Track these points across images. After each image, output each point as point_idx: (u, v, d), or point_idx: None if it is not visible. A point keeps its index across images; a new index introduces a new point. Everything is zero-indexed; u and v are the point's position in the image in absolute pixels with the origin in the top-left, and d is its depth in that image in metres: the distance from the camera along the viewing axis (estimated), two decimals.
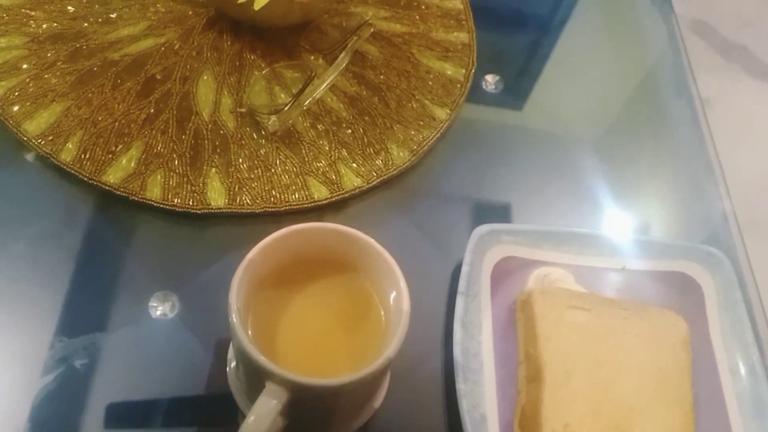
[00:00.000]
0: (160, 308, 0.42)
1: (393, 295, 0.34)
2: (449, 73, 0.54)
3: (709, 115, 0.58)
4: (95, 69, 0.50)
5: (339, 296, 0.36)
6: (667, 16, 0.65)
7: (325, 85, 0.50)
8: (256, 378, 0.32)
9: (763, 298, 0.49)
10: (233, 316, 0.32)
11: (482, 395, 0.40)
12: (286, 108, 0.47)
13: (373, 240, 0.35)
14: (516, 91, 0.57)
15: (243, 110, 0.49)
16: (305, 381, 0.30)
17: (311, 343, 0.35)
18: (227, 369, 0.39)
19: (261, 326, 0.34)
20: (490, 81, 0.56)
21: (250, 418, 0.30)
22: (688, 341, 0.42)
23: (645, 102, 0.59)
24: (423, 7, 0.57)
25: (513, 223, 0.49)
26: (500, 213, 0.50)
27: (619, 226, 0.51)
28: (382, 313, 0.35)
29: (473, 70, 0.54)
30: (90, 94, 0.48)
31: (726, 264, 0.46)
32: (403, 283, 0.33)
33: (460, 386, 0.39)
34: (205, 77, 0.50)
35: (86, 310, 0.41)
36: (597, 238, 0.47)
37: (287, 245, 0.35)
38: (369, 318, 0.36)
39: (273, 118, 0.48)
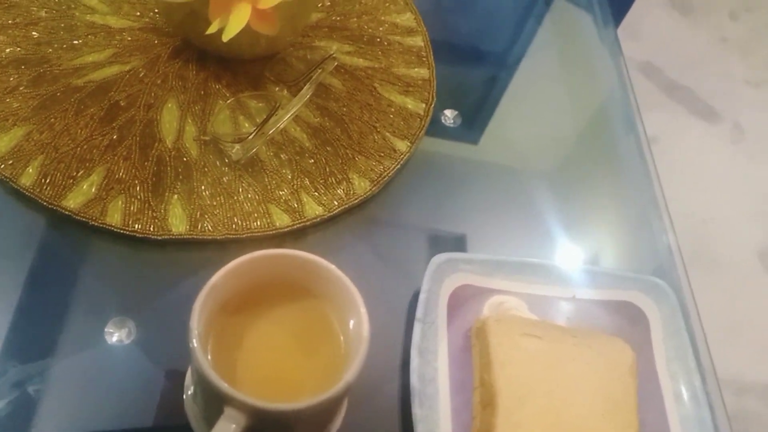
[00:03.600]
0: (117, 334, 0.42)
1: (353, 321, 0.35)
2: (410, 107, 0.56)
3: (655, 151, 0.61)
4: (58, 94, 0.50)
5: (299, 322, 0.37)
6: (616, 56, 0.68)
7: (289, 115, 0.51)
8: (215, 403, 0.32)
9: (705, 327, 0.51)
10: (194, 341, 0.32)
11: (437, 421, 0.41)
12: (249, 137, 0.48)
13: (333, 266, 0.36)
14: (473, 126, 0.59)
15: (207, 138, 0.50)
16: (264, 406, 0.31)
17: (271, 368, 0.35)
18: (184, 396, 0.39)
19: (221, 351, 0.35)
20: (449, 115, 0.58)
21: None
22: (635, 368, 0.44)
23: (595, 138, 0.62)
24: (385, 44, 0.59)
25: (469, 251, 0.51)
26: (457, 242, 0.51)
27: (570, 257, 0.53)
28: (342, 338, 0.36)
29: (433, 105, 0.56)
30: (52, 119, 0.48)
31: (670, 294, 0.48)
32: (363, 310, 0.34)
33: (416, 411, 0.40)
34: (169, 105, 0.51)
35: (41, 335, 0.41)
36: (549, 268, 0.49)
37: (249, 271, 0.36)
38: (329, 343, 0.36)
39: (237, 146, 0.48)
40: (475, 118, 0.59)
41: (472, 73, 0.63)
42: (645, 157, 0.61)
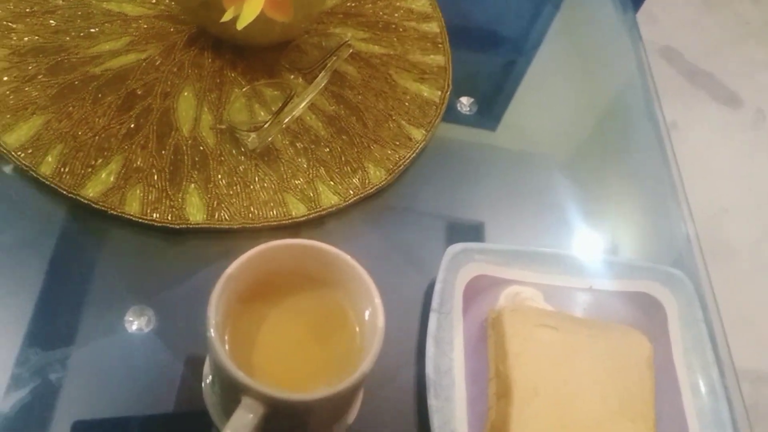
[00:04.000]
0: (136, 322, 0.42)
1: (368, 311, 0.35)
2: (425, 94, 0.55)
3: (674, 138, 0.60)
4: (76, 83, 0.50)
5: (315, 312, 0.37)
6: (636, 41, 0.67)
7: (304, 103, 0.51)
8: (233, 392, 0.32)
9: (723, 318, 0.51)
10: (211, 331, 0.32)
11: (453, 411, 0.41)
12: (265, 125, 0.48)
13: (349, 257, 0.36)
14: (489, 113, 0.58)
15: (223, 127, 0.50)
16: (281, 395, 0.31)
17: (287, 357, 0.36)
18: (203, 384, 0.39)
19: (238, 341, 0.35)
20: (465, 103, 0.58)
21: None
22: (651, 360, 0.44)
23: (614, 124, 0.61)
24: (401, 30, 0.59)
25: (485, 240, 0.51)
26: (473, 231, 0.51)
27: (587, 246, 0.52)
28: (357, 329, 0.36)
29: (449, 92, 0.56)
30: (70, 108, 0.49)
31: (688, 285, 0.48)
32: (378, 300, 0.34)
33: (432, 402, 0.40)
34: (185, 93, 0.51)
35: (62, 324, 0.41)
36: (565, 258, 0.48)
37: (265, 261, 0.36)
38: (344, 334, 0.36)
39: (252, 135, 0.48)
40: (492, 106, 0.59)
41: (489, 60, 0.63)
42: (664, 144, 0.60)
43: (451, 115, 0.56)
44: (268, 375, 0.34)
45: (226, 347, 0.34)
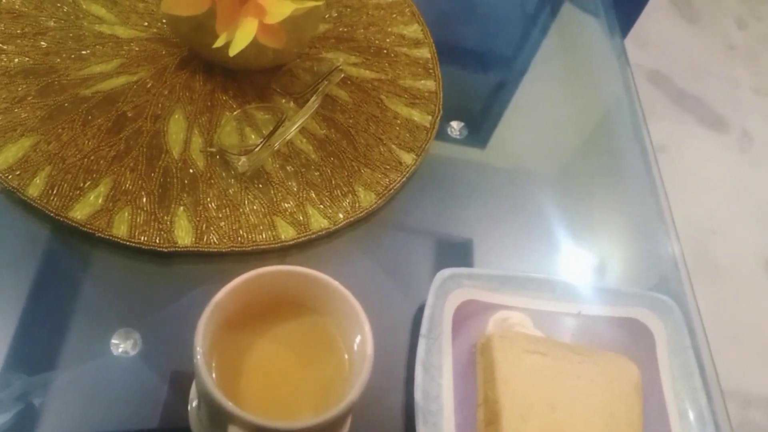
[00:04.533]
0: (122, 346, 0.42)
1: (357, 338, 0.35)
2: (416, 119, 0.56)
3: (662, 161, 0.61)
4: (66, 105, 0.50)
5: (304, 339, 0.37)
6: (623, 66, 0.68)
7: (295, 127, 0.51)
8: (219, 420, 0.32)
9: (709, 337, 0.51)
10: (198, 358, 0.32)
11: None
12: (256, 149, 0.48)
13: (338, 283, 0.36)
14: (479, 137, 0.59)
15: (213, 150, 0.50)
16: (268, 424, 0.31)
17: (275, 385, 0.35)
18: (189, 408, 0.39)
19: (225, 368, 0.35)
20: (455, 127, 0.58)
21: None
22: (640, 386, 0.44)
23: (602, 147, 0.61)
24: (392, 55, 0.59)
25: (475, 264, 0.51)
26: (463, 254, 0.51)
27: (576, 268, 0.52)
28: (346, 356, 0.36)
29: (439, 117, 0.56)
30: (60, 130, 0.48)
31: (676, 311, 0.48)
32: (367, 327, 0.34)
33: (420, 429, 0.40)
34: (176, 116, 0.51)
35: (47, 347, 0.41)
36: (554, 283, 0.48)
37: (254, 287, 0.36)
38: (333, 361, 0.36)
39: (243, 158, 0.48)
40: (482, 130, 0.59)
41: (479, 83, 0.63)
42: (651, 166, 0.60)
43: (441, 139, 0.57)
44: (255, 402, 0.34)
45: (213, 374, 0.34)
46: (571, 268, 0.52)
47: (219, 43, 0.45)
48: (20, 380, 0.39)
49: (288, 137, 0.51)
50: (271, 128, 0.49)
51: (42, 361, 0.40)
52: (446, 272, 0.46)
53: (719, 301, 0.57)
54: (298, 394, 0.35)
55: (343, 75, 0.55)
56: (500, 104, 0.62)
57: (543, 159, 0.59)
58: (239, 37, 0.44)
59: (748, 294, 0.56)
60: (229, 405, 0.31)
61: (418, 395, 0.41)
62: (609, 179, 0.59)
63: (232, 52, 0.44)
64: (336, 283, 0.36)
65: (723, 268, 0.59)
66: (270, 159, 0.50)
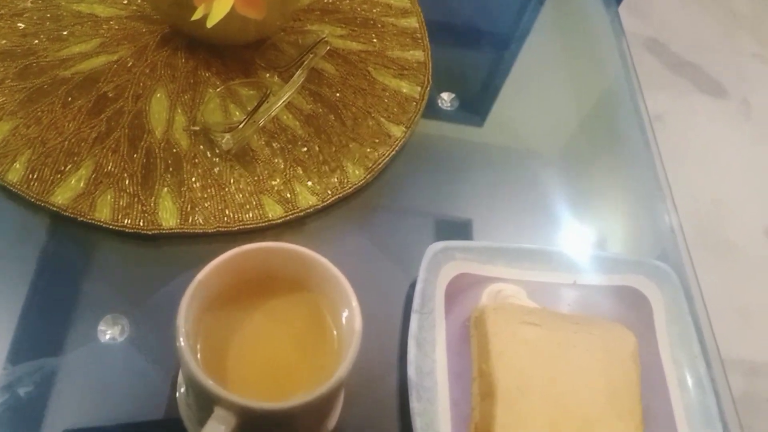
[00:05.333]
0: (110, 332, 0.41)
1: (345, 314, 0.34)
2: (405, 90, 0.54)
3: (660, 130, 0.60)
4: (45, 87, 0.49)
5: (291, 316, 0.36)
6: (618, 35, 0.66)
7: (280, 102, 0.50)
8: (205, 403, 0.31)
9: (714, 309, 0.50)
10: (181, 339, 0.31)
11: (436, 413, 0.40)
12: (240, 126, 0.47)
13: (324, 258, 0.35)
14: (471, 109, 0.57)
15: (197, 128, 0.49)
16: (254, 405, 0.30)
17: (263, 364, 0.35)
18: (177, 395, 0.38)
19: (211, 349, 0.34)
20: (446, 99, 0.57)
21: None
22: (637, 354, 0.43)
23: (598, 118, 0.60)
24: (379, 26, 0.58)
25: (470, 238, 0.50)
26: (457, 228, 0.50)
27: (571, 240, 0.52)
28: (335, 333, 0.35)
29: (428, 88, 0.55)
30: (39, 113, 0.47)
31: (673, 277, 0.47)
32: (354, 302, 0.34)
33: (414, 405, 0.39)
34: (158, 95, 0.50)
35: (32, 336, 0.40)
36: (548, 254, 0.47)
37: (237, 266, 0.35)
38: (322, 338, 0.35)
39: (227, 136, 0.47)
40: (473, 101, 0.58)
41: (470, 55, 0.62)
42: (648, 138, 0.59)
43: (431, 111, 0.55)
44: (243, 383, 0.33)
45: (198, 356, 0.33)
46: (567, 240, 0.51)
47: (196, 15, 0.43)
48: (5, 370, 0.39)
49: (273, 113, 0.50)
50: (256, 104, 0.48)
51: (27, 350, 0.39)
52: (438, 245, 0.45)
53: (724, 273, 0.56)
54: (287, 372, 0.34)
55: (329, 47, 0.54)
56: (492, 75, 0.61)
57: (537, 131, 0.57)
58: (216, 9, 0.42)
59: (752, 265, 0.55)
60: (212, 385, 0.30)
61: (411, 371, 0.40)
62: (606, 151, 0.58)
63: (210, 23, 0.42)
64: (321, 258, 0.35)
65: (727, 241, 0.58)
66: (255, 136, 0.49)
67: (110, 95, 0.49)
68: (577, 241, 0.52)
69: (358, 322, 0.33)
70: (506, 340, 0.42)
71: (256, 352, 0.35)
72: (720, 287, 0.52)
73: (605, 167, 0.57)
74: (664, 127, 0.63)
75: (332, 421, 0.39)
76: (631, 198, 0.55)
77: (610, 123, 0.60)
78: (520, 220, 0.51)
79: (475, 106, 0.58)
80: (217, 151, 0.48)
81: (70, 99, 0.48)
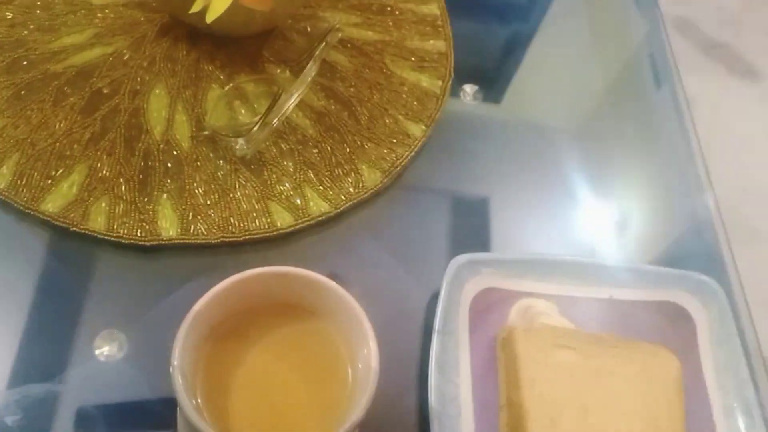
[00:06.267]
0: (107, 349, 0.38)
1: (363, 351, 0.31)
2: (425, 84, 0.50)
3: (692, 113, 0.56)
4: (35, 83, 0.45)
5: (301, 347, 0.33)
6: (651, 10, 0.62)
7: (293, 99, 0.46)
8: None
9: (756, 323, 0.46)
10: (177, 378, 0.28)
11: None
12: (254, 128, 0.43)
13: (338, 286, 0.31)
14: (496, 101, 0.53)
15: (206, 133, 0.45)
16: None
17: (269, 402, 0.31)
18: (178, 416, 0.35)
19: (212, 385, 0.31)
20: (469, 91, 0.52)
21: None
22: (681, 381, 0.40)
23: (630, 104, 0.56)
24: (397, 13, 0.53)
25: (494, 249, 0.46)
26: (482, 238, 0.46)
27: (606, 249, 0.48)
28: (349, 369, 0.32)
29: (450, 81, 0.51)
30: (29, 112, 0.44)
31: (720, 294, 0.43)
32: (372, 338, 0.30)
33: None
34: (157, 91, 0.46)
35: (23, 355, 0.37)
36: (581, 266, 0.44)
37: (240, 292, 0.31)
38: (334, 374, 0.32)
39: (240, 141, 0.43)
40: (498, 92, 0.54)
41: (492, 41, 0.58)
42: (683, 119, 0.55)
43: (453, 105, 0.51)
44: (247, 422, 0.30)
45: (197, 394, 0.30)
46: (602, 249, 0.47)
47: (195, 8, 0.39)
48: None
49: (287, 112, 0.46)
50: (266, 104, 0.44)
51: (19, 372, 0.37)
52: (461, 258, 0.41)
53: (755, 264, 0.52)
54: (296, 412, 0.31)
55: (341, 35, 0.50)
56: (517, 62, 0.57)
57: (567, 120, 0.53)
58: (217, 2, 0.38)
59: None
60: None
61: (432, 398, 0.37)
62: (639, 140, 0.54)
63: (210, 18, 0.38)
64: (336, 286, 0.31)
65: (757, 229, 0.54)
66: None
67: (105, 91, 0.45)
68: (613, 249, 0.48)
69: (375, 360, 0.29)
70: (538, 366, 0.38)
71: (262, 388, 0.31)
72: (750, 278, 0.48)
73: (642, 160, 0.53)
74: (694, 109, 0.59)
75: None
76: (665, 184, 0.51)
77: (643, 107, 0.56)
78: (550, 223, 0.48)
79: (501, 97, 0.54)
80: (222, 153, 0.44)
81: (61, 96, 0.45)
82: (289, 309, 0.33)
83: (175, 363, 0.28)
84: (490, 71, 0.55)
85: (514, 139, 0.51)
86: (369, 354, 0.29)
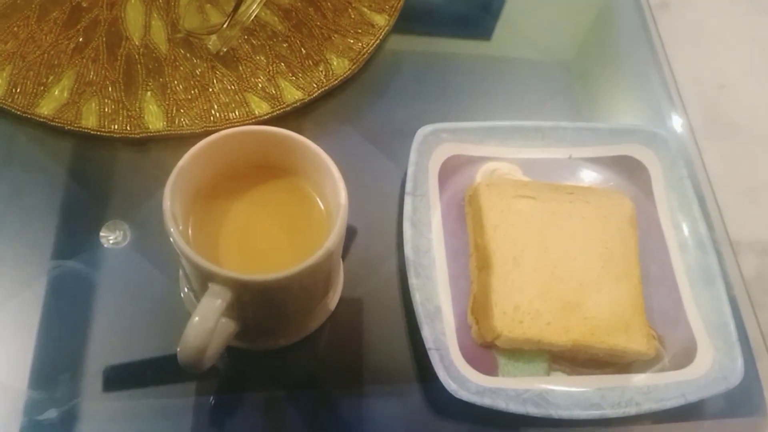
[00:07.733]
0: (112, 237, 0.41)
1: (333, 194, 0.34)
2: None
3: (665, 17, 0.58)
4: (18, 1, 0.48)
5: (280, 198, 0.36)
6: None
7: None
8: (201, 283, 0.32)
9: (726, 191, 0.49)
10: (168, 221, 0.32)
11: (435, 288, 0.40)
12: (224, 25, 0.46)
13: (304, 138, 0.35)
14: None
15: (181, 35, 0.48)
16: (246, 278, 0.31)
17: (255, 246, 0.35)
18: (181, 294, 0.39)
19: (202, 234, 0.34)
20: None
21: (195, 319, 0.30)
22: (634, 218, 0.43)
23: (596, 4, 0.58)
24: None
25: (461, 120, 0.49)
26: (449, 114, 0.49)
27: (566, 116, 0.51)
28: (324, 211, 0.35)
29: None
30: (15, 28, 0.47)
31: (670, 142, 0.46)
32: (339, 178, 0.33)
33: (413, 281, 0.39)
34: (132, 1, 0.49)
35: (37, 246, 0.40)
36: (542, 130, 0.47)
37: (220, 151, 0.35)
38: (311, 218, 0.36)
39: (213, 38, 0.46)
40: None
41: None
42: (646, 19, 0.57)
43: None
44: (236, 264, 0.34)
45: (191, 239, 0.34)
46: (562, 116, 0.50)
47: None
48: (11, 275, 0.39)
49: (255, 10, 0.48)
50: (233, 3, 0.47)
51: (33, 261, 0.40)
52: (426, 129, 0.45)
53: (733, 157, 0.55)
54: (279, 252, 0.35)
55: None
56: None
57: (531, 14, 0.55)
58: None
59: (762, 148, 0.54)
60: (203, 262, 0.30)
61: (408, 251, 0.40)
62: (604, 34, 0.56)
63: None
64: (298, 137, 0.34)
65: (734, 123, 0.57)
66: None
67: (84, 5, 0.48)
68: (573, 116, 0.51)
69: (343, 196, 0.33)
70: (500, 213, 0.42)
71: (248, 235, 0.35)
72: (728, 170, 0.51)
73: (605, 56, 0.55)
74: (668, 13, 0.61)
75: (333, 301, 0.39)
76: (632, 81, 0.54)
77: (609, 8, 0.58)
78: (514, 99, 0.50)
79: None
80: (198, 52, 0.47)
81: (44, 12, 0.47)
82: (269, 171, 0.36)
83: (167, 208, 0.32)
84: None
85: (476, 24, 0.54)
86: (336, 191, 0.33)
